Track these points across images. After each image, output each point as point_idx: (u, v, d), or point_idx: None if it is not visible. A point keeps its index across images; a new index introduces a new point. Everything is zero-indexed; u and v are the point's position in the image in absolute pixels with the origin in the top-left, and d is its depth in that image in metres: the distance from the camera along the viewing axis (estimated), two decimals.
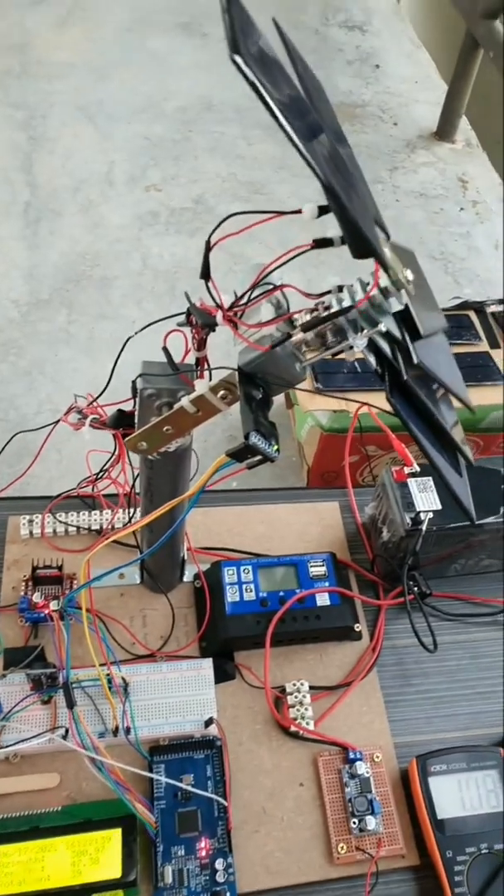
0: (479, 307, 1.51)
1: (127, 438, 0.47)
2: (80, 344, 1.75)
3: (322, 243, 0.41)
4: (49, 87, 2.47)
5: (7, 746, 0.58)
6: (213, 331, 0.45)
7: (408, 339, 0.38)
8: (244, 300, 0.42)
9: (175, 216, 2.14)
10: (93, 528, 0.73)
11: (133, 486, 0.66)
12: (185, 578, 0.72)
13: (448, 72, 2.49)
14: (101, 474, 0.75)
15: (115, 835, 0.54)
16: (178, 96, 2.53)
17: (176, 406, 0.44)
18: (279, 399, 1.66)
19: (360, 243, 0.35)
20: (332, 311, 0.39)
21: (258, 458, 0.39)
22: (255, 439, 0.38)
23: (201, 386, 0.43)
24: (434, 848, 0.57)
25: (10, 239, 1.98)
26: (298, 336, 0.42)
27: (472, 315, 1.49)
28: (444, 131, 2.57)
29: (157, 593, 0.70)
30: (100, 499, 0.75)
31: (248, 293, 0.42)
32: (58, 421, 0.62)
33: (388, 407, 0.42)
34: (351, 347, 0.41)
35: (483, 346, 1.43)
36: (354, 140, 2.51)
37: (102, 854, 0.53)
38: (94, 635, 0.60)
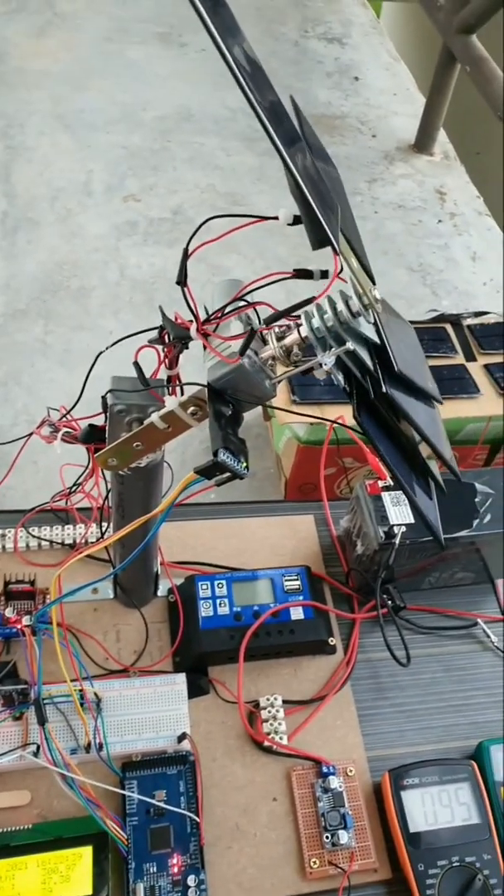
0: (455, 320, 1.53)
1: (97, 454, 0.47)
2: (56, 355, 1.74)
3: (302, 274, 0.41)
4: (27, 96, 2.47)
5: None
6: (187, 347, 0.46)
7: (379, 370, 0.38)
8: (218, 315, 0.42)
9: (153, 227, 2.14)
10: (66, 542, 0.73)
11: (105, 500, 0.66)
12: (159, 593, 0.72)
13: (426, 85, 2.53)
14: (74, 488, 0.74)
15: (86, 852, 0.54)
16: (156, 106, 2.54)
17: (146, 422, 0.44)
18: (257, 411, 1.67)
19: (315, 227, 0.36)
20: (293, 304, 0.40)
21: (227, 475, 0.39)
22: (223, 456, 0.38)
23: (171, 402, 0.43)
24: (406, 861, 0.57)
25: None
26: (268, 352, 0.42)
27: (449, 328, 1.51)
28: (422, 144, 2.61)
29: (131, 608, 0.70)
30: (73, 513, 0.75)
31: (224, 307, 0.42)
32: (31, 434, 0.62)
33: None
34: (320, 365, 0.41)
35: (459, 358, 1.45)
36: (333, 151, 2.53)
37: (73, 872, 0.53)
38: (66, 651, 0.60)
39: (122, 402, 0.45)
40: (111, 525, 0.67)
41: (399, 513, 0.70)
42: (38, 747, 0.57)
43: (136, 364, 0.45)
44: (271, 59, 2.86)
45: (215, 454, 0.38)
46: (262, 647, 0.67)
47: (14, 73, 2.54)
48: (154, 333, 0.47)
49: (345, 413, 0.73)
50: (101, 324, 1.83)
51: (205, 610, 0.68)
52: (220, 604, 0.68)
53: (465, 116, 2.61)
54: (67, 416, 0.57)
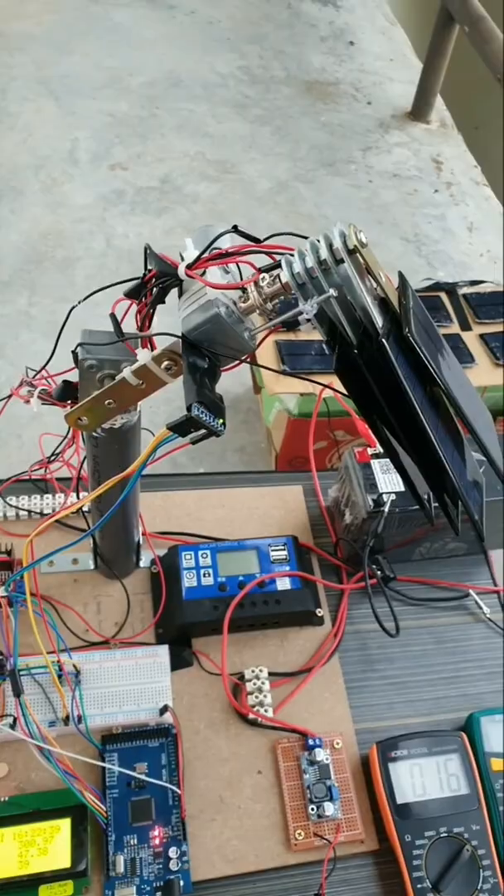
0: (450, 289, 1.50)
1: (67, 413, 0.45)
2: (41, 326, 1.70)
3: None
4: (9, 60, 2.39)
5: None
6: (163, 301, 0.43)
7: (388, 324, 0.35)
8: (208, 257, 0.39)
9: (141, 195, 2.09)
10: (45, 511, 0.71)
11: (81, 468, 0.64)
12: (142, 564, 0.69)
13: (423, 50, 2.47)
14: (53, 457, 0.72)
15: (65, 825, 0.52)
16: (143, 72, 2.47)
17: (118, 378, 0.42)
18: (247, 384, 1.64)
19: None
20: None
21: (202, 432, 0.36)
22: (197, 412, 0.35)
23: (143, 356, 0.40)
24: (393, 832, 0.56)
25: None
26: (248, 301, 0.39)
27: (444, 297, 1.48)
28: (418, 111, 2.55)
29: (112, 579, 0.68)
30: (52, 482, 0.72)
31: (206, 251, 0.39)
32: (10, 396, 0.60)
33: None
34: (303, 316, 0.39)
35: (454, 328, 1.43)
36: (327, 119, 2.48)
37: (51, 844, 0.51)
38: (41, 620, 0.58)
39: (92, 357, 0.42)
40: (88, 491, 0.64)
41: (388, 480, 0.68)
42: (15, 719, 0.56)
43: (113, 316, 0.42)
44: (263, 22, 2.79)
45: (189, 409, 0.36)
46: (247, 618, 0.65)
47: None
48: (127, 289, 0.44)
49: (336, 383, 0.71)
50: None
51: (188, 580, 0.66)
52: (204, 574, 0.66)
53: (464, 88, 2.55)
54: (43, 372, 0.55)
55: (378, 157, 2.41)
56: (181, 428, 0.36)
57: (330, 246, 0.36)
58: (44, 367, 0.55)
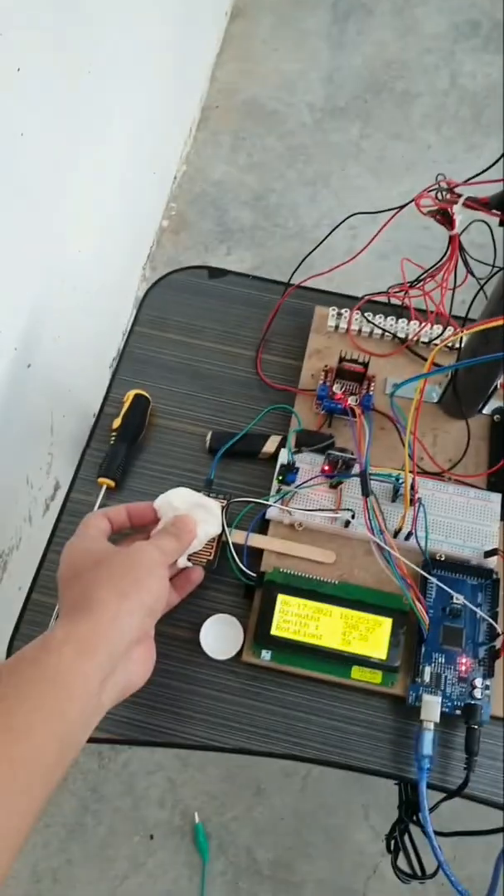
0: None
1: None
2: (369, 161, 1.63)
3: None
4: None
5: (296, 511, 0.60)
6: None
7: None
8: None
9: (498, 31, 1.84)
10: (399, 335, 0.70)
11: (442, 299, 0.61)
12: (486, 410, 0.67)
13: None
14: (416, 282, 0.70)
15: (387, 622, 0.56)
16: None
17: None
18: None
19: None
20: None
21: None
22: None
23: None
24: None
25: (314, 35, 1.83)
26: None
27: None
28: None
29: (454, 418, 0.67)
30: (410, 308, 0.71)
31: None
32: (406, 203, 0.57)
33: None
34: None
35: None
36: None
37: (372, 635, 0.55)
38: (389, 437, 0.59)
39: None
40: (447, 329, 0.61)
41: None
42: (353, 515, 0.59)
43: None
44: None
45: None
46: None
47: None
48: None
49: None
50: (420, 135, 1.66)
51: None
52: None
53: None
54: (449, 182, 0.51)
55: None
56: None
57: None
58: (472, 178, 0.51)
